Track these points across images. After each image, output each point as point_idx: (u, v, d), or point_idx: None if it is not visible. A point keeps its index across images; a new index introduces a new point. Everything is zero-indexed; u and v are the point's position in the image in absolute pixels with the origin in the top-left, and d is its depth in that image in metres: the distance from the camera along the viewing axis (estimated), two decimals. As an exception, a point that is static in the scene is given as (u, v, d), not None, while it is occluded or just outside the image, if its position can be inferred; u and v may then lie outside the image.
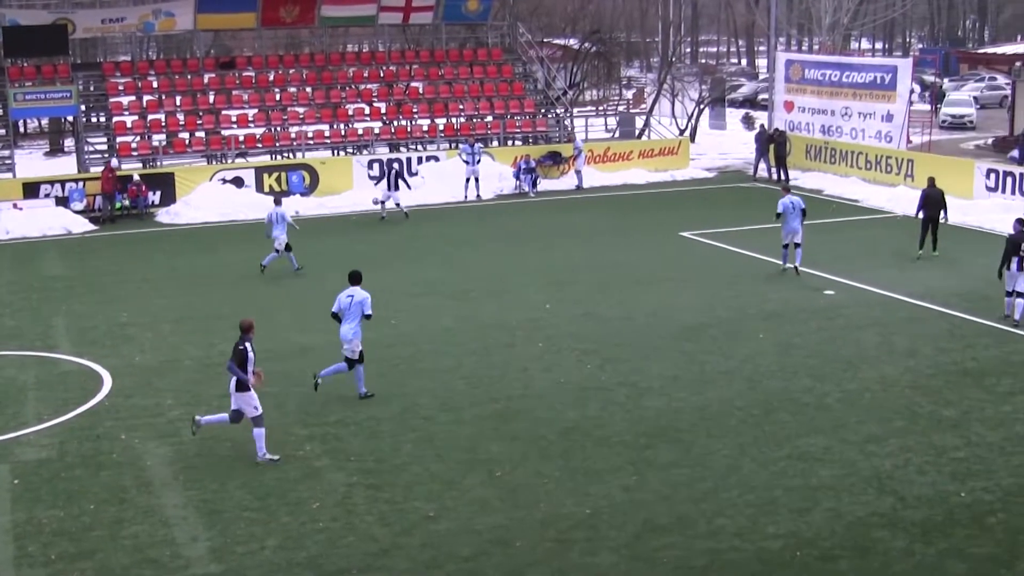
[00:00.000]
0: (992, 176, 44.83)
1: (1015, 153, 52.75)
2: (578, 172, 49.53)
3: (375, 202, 42.72)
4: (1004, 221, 38.52)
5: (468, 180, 46.54)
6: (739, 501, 18.06)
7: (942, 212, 35.06)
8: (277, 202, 34.31)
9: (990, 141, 67.37)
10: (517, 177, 48.46)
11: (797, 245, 32.59)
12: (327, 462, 19.75)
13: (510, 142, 52.71)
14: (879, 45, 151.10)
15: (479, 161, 46.64)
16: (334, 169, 47.28)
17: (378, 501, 18.12)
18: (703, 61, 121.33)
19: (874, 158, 50.72)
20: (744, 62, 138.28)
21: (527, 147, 51.66)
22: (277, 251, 33.68)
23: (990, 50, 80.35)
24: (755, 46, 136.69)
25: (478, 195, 46.70)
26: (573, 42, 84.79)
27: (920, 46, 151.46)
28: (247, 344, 19.69)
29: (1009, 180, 44.02)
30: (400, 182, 42.66)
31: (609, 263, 34.80)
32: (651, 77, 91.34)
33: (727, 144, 66.71)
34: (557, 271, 33.50)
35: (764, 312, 29.17)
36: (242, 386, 19.67)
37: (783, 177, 51.13)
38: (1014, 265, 27.75)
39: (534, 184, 48.16)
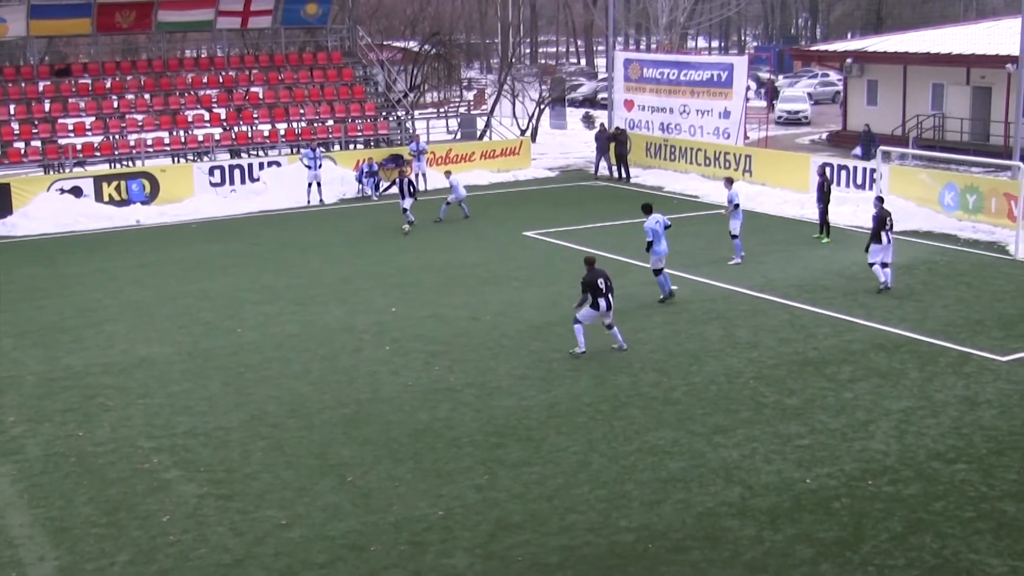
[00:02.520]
0: (827, 170, 45.72)
1: (858, 151, 54.01)
2: (422, 174, 49.46)
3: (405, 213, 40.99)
4: (839, 213, 39.58)
5: (310, 185, 46.25)
6: (590, 496, 18.21)
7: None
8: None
9: (824, 136, 69.05)
10: (360, 181, 48.30)
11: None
12: (176, 474, 19.47)
13: (352, 146, 52.45)
14: (715, 43, 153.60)
15: (321, 166, 46.38)
16: (175, 177, 46.58)
17: (230, 511, 17.92)
18: (543, 61, 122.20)
19: (712, 154, 51.53)
20: (583, 62, 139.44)
21: (369, 150, 51.46)
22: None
23: (822, 47, 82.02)
24: (594, 46, 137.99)
25: (321, 200, 46.43)
26: (413, 44, 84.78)
27: (755, 44, 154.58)
28: None
29: (843, 174, 45.06)
30: (409, 189, 40.84)
31: (454, 264, 34.85)
32: (491, 78, 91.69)
33: (568, 143, 67.26)
34: (402, 274, 33.45)
35: (610, 309, 29.42)
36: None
37: (624, 175, 51.77)
38: (884, 239, 30.10)
39: (377, 187, 48.01)
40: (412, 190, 40.96)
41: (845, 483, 18.67)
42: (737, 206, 34.09)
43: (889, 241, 30.49)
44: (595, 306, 24.94)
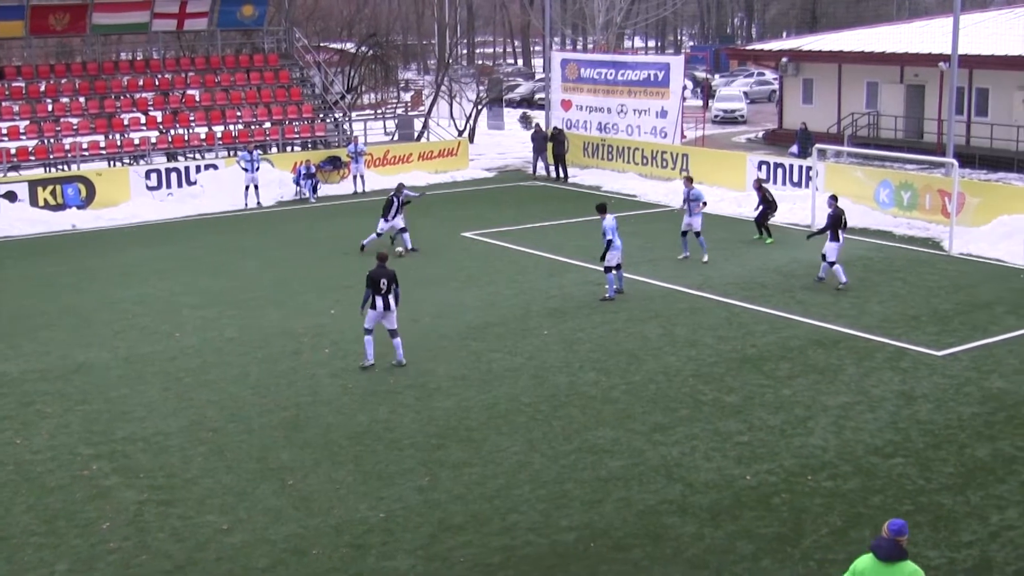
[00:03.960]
0: (764, 168, 46.11)
1: (794, 149, 54.37)
2: (360, 176, 49.32)
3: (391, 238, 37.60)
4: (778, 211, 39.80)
5: (248, 188, 45.98)
6: (531, 496, 18.24)
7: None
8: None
9: (760, 134, 69.52)
10: (297, 183, 48.07)
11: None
12: (116, 480, 19.31)
13: (289, 148, 52.28)
14: (652, 43, 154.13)
15: (258, 168, 46.11)
16: (111, 180, 46.18)
17: (170, 517, 17.80)
18: (480, 62, 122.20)
19: (650, 154, 51.73)
20: (520, 62, 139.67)
21: (306, 152, 51.27)
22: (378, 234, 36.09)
23: (758, 46, 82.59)
24: (531, 46, 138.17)
25: (258, 202, 46.19)
26: (350, 46, 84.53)
27: (691, 43, 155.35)
28: None
29: (780, 171, 45.39)
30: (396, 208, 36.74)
31: (393, 266, 34.67)
32: (429, 79, 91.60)
33: (506, 144, 67.31)
34: (341, 276, 33.31)
35: (547, 308, 29.51)
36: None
37: (562, 175, 51.90)
38: (841, 237, 30.87)
39: (314, 190, 47.84)
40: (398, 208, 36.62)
41: (785, 479, 18.80)
42: (704, 203, 34.68)
43: (842, 241, 31.09)
44: (374, 305, 24.58)
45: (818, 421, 21.36)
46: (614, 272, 30.52)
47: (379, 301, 24.54)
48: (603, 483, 18.71)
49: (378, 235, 36.51)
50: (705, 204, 34.82)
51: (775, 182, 44.83)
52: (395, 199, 36.38)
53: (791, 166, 45.36)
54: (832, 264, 31.07)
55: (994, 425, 21.16)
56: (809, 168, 42.10)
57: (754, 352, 25.67)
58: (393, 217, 36.35)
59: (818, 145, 42.88)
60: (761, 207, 37.26)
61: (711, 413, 21.85)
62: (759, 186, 37.81)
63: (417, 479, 19.01)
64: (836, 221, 30.97)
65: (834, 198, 32.06)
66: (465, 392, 23.23)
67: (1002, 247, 35.46)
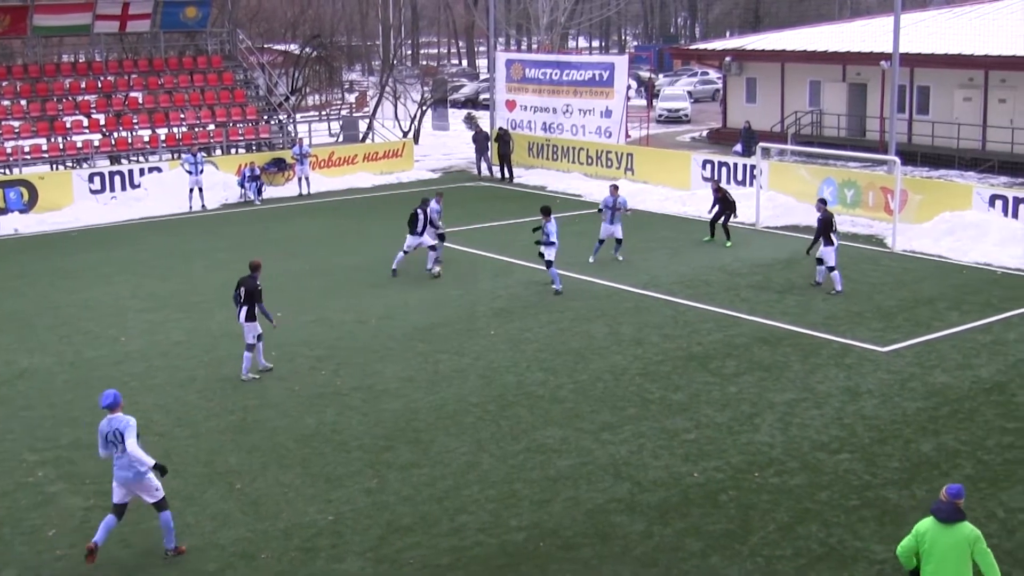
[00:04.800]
0: (708, 167, 46.36)
1: (738, 148, 54.62)
2: (305, 178, 49.15)
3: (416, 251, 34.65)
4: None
5: (192, 190, 45.73)
6: (480, 497, 18.26)
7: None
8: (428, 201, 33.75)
9: (705, 133, 69.84)
10: (242, 185, 47.87)
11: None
12: (62, 487, 19.16)
13: (233, 150, 52.05)
14: (596, 43, 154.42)
15: (202, 171, 45.85)
16: (54, 184, 45.79)
17: (117, 523, 17.69)
18: (424, 63, 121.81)
19: (595, 153, 51.86)
20: (465, 63, 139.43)
21: (251, 155, 51.08)
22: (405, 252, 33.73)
23: (702, 46, 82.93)
24: (475, 47, 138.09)
25: (203, 205, 45.94)
26: (294, 47, 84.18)
27: (635, 43, 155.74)
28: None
29: (724, 170, 45.59)
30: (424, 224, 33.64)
31: (338, 268, 34.71)
32: (373, 80, 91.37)
33: (451, 144, 67.29)
34: (286, 278, 33.19)
35: (494, 308, 29.53)
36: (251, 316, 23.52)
37: (507, 175, 51.97)
38: (835, 240, 30.64)
39: (259, 192, 47.66)
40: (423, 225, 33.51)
41: (732, 476, 18.91)
42: (629, 211, 34.90)
43: (830, 243, 30.69)
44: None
45: (764, 418, 21.50)
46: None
47: (241, 312, 24.15)
48: (552, 482, 18.75)
49: (405, 253, 33.69)
50: (629, 212, 35.00)
51: (719, 181, 45.09)
52: (419, 212, 33.25)
53: (735, 165, 45.60)
54: (832, 269, 30.71)
55: (938, 420, 21.36)
56: (753, 167, 42.32)
57: (700, 350, 25.79)
58: (422, 232, 33.29)
59: (762, 144, 43.15)
60: (717, 208, 37.19)
61: (658, 411, 21.94)
62: (717, 187, 37.79)
63: (365, 481, 18.98)
64: (826, 225, 30.66)
65: (823, 202, 31.83)
66: (413, 393, 23.21)
67: (944, 243, 35.80)
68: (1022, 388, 23.11)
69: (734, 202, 37.41)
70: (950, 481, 18.42)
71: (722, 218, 36.98)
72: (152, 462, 16.30)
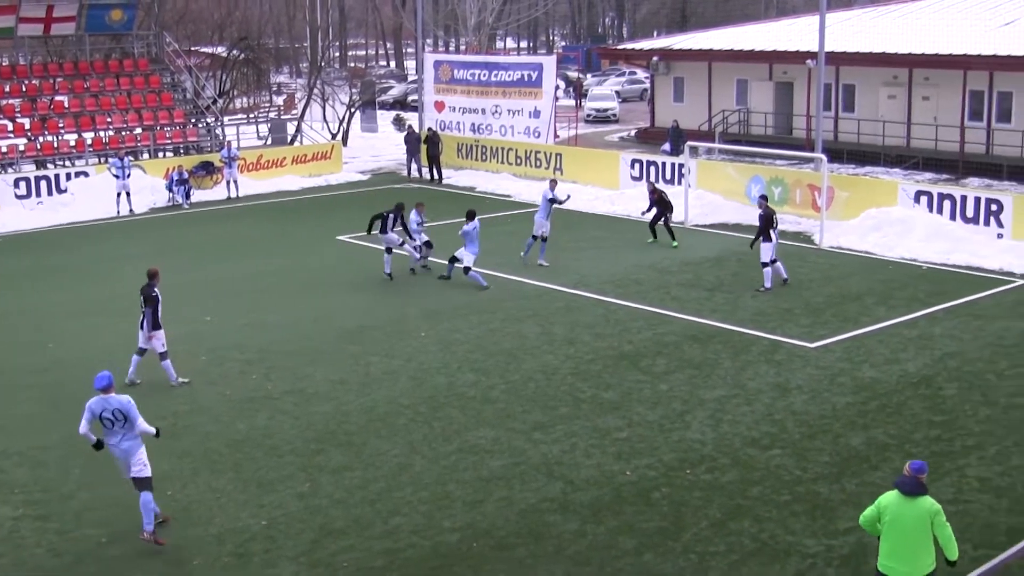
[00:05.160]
0: (636, 166, 46.56)
1: (666, 147, 54.86)
2: (234, 181, 48.85)
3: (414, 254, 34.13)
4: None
5: (119, 195, 45.29)
6: (413, 499, 18.22)
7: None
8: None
9: (633, 133, 70.06)
10: (170, 189, 47.49)
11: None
12: (-12, 495, 18.98)
13: (161, 154, 51.66)
14: (524, 44, 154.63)
15: (130, 175, 45.38)
16: (-23, 190, 45.30)
17: (48, 532, 17.49)
18: (352, 64, 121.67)
19: (524, 154, 51.93)
20: (393, 64, 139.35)
21: (179, 158, 50.72)
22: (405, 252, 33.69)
23: (629, 46, 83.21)
24: (403, 48, 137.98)
25: (131, 209, 45.53)
26: (221, 50, 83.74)
27: (563, 44, 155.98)
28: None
29: (652, 169, 45.78)
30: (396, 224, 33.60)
31: (269, 271, 34.53)
32: (301, 82, 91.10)
33: (380, 146, 67.13)
34: (217, 282, 33.01)
35: (424, 310, 29.48)
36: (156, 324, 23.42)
37: (436, 176, 51.95)
38: (774, 236, 30.79)
39: (187, 195, 47.34)
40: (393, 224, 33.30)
41: (664, 473, 18.99)
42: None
43: (776, 240, 31.08)
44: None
45: (695, 415, 21.61)
46: (473, 271, 31.47)
47: (773, 234, 25.86)
48: (484, 483, 18.75)
49: (389, 253, 33.31)
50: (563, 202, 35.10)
51: (647, 180, 45.34)
52: (388, 215, 33.01)
53: (663, 164, 45.79)
54: (765, 265, 30.94)
55: (867, 414, 21.57)
56: (681, 165, 42.50)
57: (631, 349, 25.89)
58: (392, 230, 32.98)
59: (690, 143, 43.40)
60: (656, 210, 37.17)
61: (590, 410, 22.00)
62: (653, 189, 37.79)
63: (298, 485, 18.90)
64: (766, 221, 30.92)
65: (763, 198, 32.12)
66: (344, 396, 23.14)
67: (871, 239, 36.15)
68: (949, 382, 23.38)
69: (670, 203, 37.39)
70: (880, 475, 18.64)
71: (661, 219, 37.01)
72: (154, 430, 17.74)
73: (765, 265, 30.96)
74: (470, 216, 31.48)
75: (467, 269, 31.45)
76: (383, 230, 33.03)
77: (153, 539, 16.64)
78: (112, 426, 17.08)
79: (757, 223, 31.36)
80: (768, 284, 30.83)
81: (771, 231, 30.89)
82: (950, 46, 52.28)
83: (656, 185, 39.05)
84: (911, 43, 54.19)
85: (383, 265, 33.26)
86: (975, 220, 36.14)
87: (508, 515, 17.55)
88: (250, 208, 46.12)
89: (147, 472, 17.14)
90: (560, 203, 34.38)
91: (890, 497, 13.45)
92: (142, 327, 23.84)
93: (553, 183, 34.94)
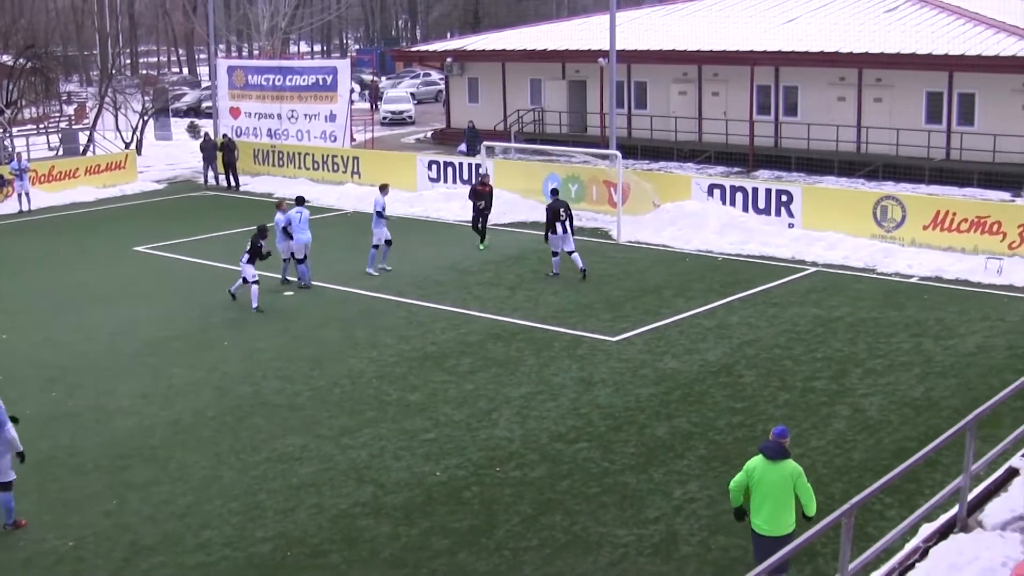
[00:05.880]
0: (434, 167, 46.76)
1: (463, 147, 55.11)
2: (25, 194, 47.62)
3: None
4: (448, 209, 40.62)
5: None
6: (223, 510, 18.07)
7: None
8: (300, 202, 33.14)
9: (429, 134, 70.24)
10: (-43, 204, 46.25)
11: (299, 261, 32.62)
12: None
13: (-54, 169, 50.21)
14: (317, 47, 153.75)
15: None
16: None
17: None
18: (144, 72, 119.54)
19: (321, 158, 51.73)
20: (186, 71, 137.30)
21: (-35, 172, 49.35)
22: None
23: (423, 48, 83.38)
24: (196, 54, 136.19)
25: (-84, 227, 44.22)
26: (7, 58, 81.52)
27: (357, 47, 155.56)
28: None
29: (449, 170, 46.03)
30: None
31: (65, 285, 33.78)
32: (92, 91, 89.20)
33: (175, 154, 66.08)
34: (9, 298, 32.20)
35: (227, 319, 29.21)
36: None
37: (233, 183, 51.46)
38: (559, 229, 31.73)
39: (-23, 210, 46.12)
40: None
41: (474, 472, 19.15)
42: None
43: (565, 231, 31.85)
44: None
45: (502, 413, 21.83)
46: (304, 264, 32.06)
47: (558, 227, 26.65)
48: (295, 491, 18.68)
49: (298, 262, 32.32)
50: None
51: (444, 181, 45.65)
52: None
53: (460, 164, 46.04)
54: (556, 254, 32.32)
55: (670, 404, 22.04)
56: (478, 166, 42.77)
57: (435, 350, 26.02)
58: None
59: (486, 143, 43.68)
60: (484, 204, 37.17)
61: (397, 413, 22.06)
62: (484, 183, 37.69)
63: (105, 503, 18.57)
64: (553, 215, 31.90)
65: (554, 192, 33.71)
66: (147, 409, 22.80)
67: (666, 233, 36.92)
68: (748, 369, 24.03)
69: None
70: (685, 463, 19.08)
71: (480, 220, 37.04)
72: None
73: (556, 254, 32.23)
74: (300, 201, 32.97)
75: (300, 260, 32.21)
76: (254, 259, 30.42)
77: (15, 525, 17.54)
78: None
79: (548, 216, 32.25)
80: (556, 271, 32.32)
81: (557, 223, 31.76)
82: (737, 42, 53.52)
83: (478, 186, 38.37)
84: (700, 40, 55.22)
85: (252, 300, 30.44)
86: (767, 211, 37.16)
87: (320, 522, 17.52)
88: (44, 221, 45.07)
89: (10, 477, 17.63)
90: (385, 217, 33.58)
91: (756, 462, 14.15)
92: None
93: (384, 188, 34.31)
